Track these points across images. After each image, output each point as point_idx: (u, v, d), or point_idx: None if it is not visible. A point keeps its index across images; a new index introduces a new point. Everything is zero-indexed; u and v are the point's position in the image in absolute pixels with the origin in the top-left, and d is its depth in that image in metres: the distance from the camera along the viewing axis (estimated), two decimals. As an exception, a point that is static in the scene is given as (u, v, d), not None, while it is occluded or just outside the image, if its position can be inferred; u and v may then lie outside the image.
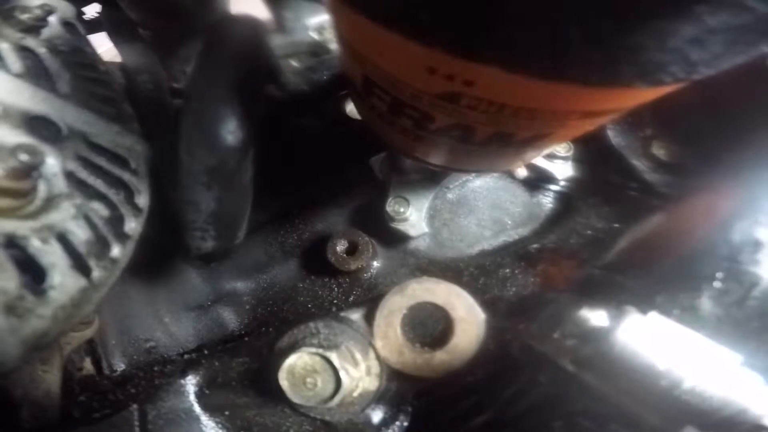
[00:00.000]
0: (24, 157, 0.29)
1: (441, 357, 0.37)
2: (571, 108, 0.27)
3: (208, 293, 0.56)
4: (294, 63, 0.59)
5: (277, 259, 0.56)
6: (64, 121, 0.35)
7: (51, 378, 0.42)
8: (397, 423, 0.39)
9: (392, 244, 0.53)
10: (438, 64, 0.24)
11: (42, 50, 0.37)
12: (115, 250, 0.33)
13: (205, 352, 0.45)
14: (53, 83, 0.36)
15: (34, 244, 0.27)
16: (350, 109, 0.63)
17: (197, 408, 0.42)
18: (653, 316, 0.25)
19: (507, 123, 0.29)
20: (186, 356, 0.48)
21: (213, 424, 0.42)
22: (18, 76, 0.34)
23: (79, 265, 0.30)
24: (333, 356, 0.35)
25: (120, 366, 0.49)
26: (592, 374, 0.27)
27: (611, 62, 0.20)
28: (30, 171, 0.29)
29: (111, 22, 0.56)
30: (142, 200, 0.37)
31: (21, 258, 0.27)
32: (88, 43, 0.44)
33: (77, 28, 0.43)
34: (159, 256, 0.54)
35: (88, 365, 0.49)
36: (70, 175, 0.33)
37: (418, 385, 0.39)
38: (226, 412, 0.42)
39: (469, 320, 0.37)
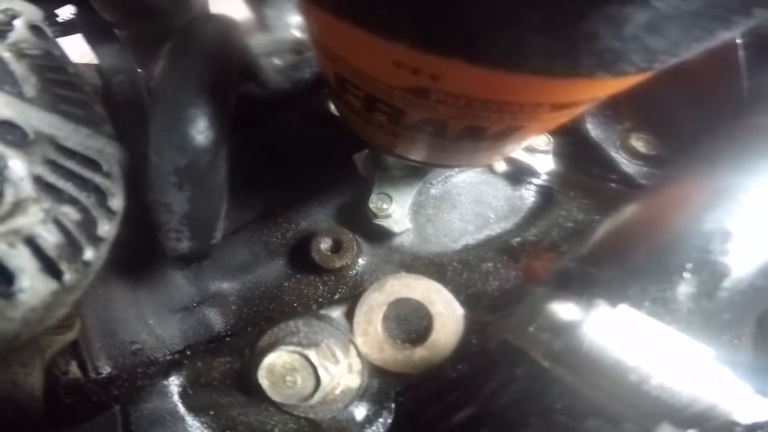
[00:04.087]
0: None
1: (421, 353, 0.37)
2: (538, 100, 0.27)
3: (194, 294, 0.55)
4: (276, 61, 0.58)
5: (261, 259, 0.56)
6: (30, 125, 0.34)
7: (33, 380, 0.42)
8: (381, 420, 0.40)
9: (377, 241, 0.53)
10: (403, 58, 0.24)
11: (6, 54, 0.36)
12: (88, 253, 0.33)
13: (188, 353, 0.45)
14: (18, 87, 0.36)
15: (1, 248, 0.27)
16: (334, 106, 0.63)
17: (181, 408, 0.42)
18: (623, 309, 0.25)
19: (477, 117, 0.29)
20: (169, 357, 0.48)
21: (198, 425, 0.42)
22: None
23: (50, 268, 0.29)
24: (312, 354, 0.35)
25: (105, 369, 0.49)
26: (564, 369, 0.27)
27: (570, 52, 0.20)
28: None
29: (86, 24, 0.55)
30: (116, 203, 0.37)
31: (-12, 263, 0.27)
32: (56, 47, 0.43)
33: (44, 32, 0.42)
34: (142, 258, 0.54)
35: (74, 369, 0.49)
36: (37, 180, 0.32)
37: (400, 382, 0.39)
38: (211, 412, 0.42)
39: (448, 315, 0.37)
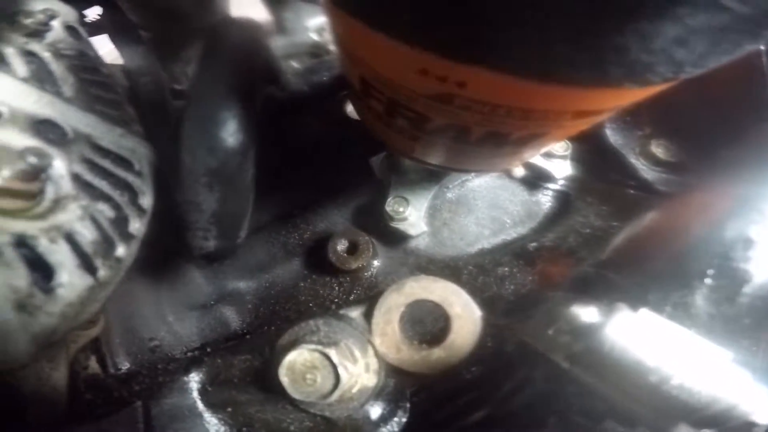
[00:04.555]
0: (32, 159, 0.30)
1: (438, 354, 0.37)
2: (563, 108, 0.27)
3: (211, 293, 0.57)
4: (294, 64, 0.59)
5: (279, 259, 0.57)
6: (69, 124, 0.36)
7: (57, 375, 0.43)
8: (395, 419, 0.40)
9: (392, 244, 0.53)
10: (430, 66, 0.25)
11: (46, 54, 0.38)
12: (120, 250, 0.34)
13: (208, 350, 0.46)
14: (58, 87, 0.37)
15: (43, 244, 0.28)
16: (351, 110, 0.64)
17: (200, 405, 0.43)
18: (644, 313, 0.26)
19: (501, 123, 0.29)
20: (189, 354, 0.49)
21: (215, 421, 0.42)
22: (23, 80, 0.35)
23: (86, 264, 0.31)
24: (332, 353, 0.36)
25: (124, 364, 0.50)
26: (584, 371, 0.27)
27: (597, 63, 0.20)
28: (38, 173, 0.30)
29: (112, 25, 0.57)
30: (146, 201, 0.38)
31: (30, 257, 0.28)
32: (90, 47, 0.45)
33: (80, 32, 0.43)
34: (163, 257, 0.55)
35: (93, 364, 0.50)
36: (76, 177, 0.34)
37: (416, 382, 0.40)
38: (229, 409, 0.43)
39: (466, 317, 0.37)
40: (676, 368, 0.24)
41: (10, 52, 0.35)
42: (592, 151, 0.51)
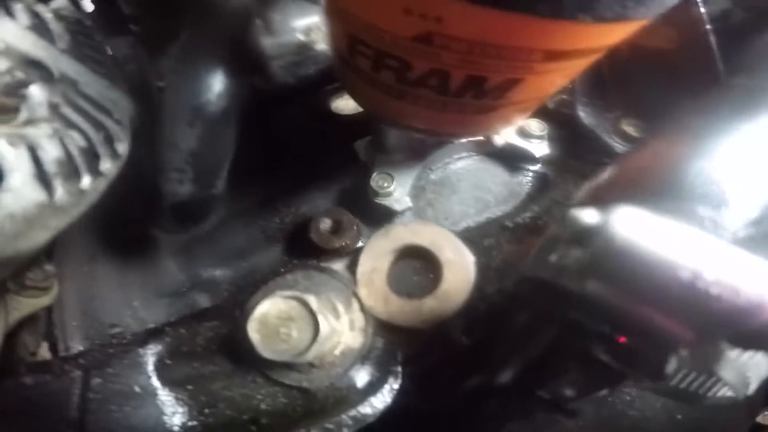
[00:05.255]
0: (13, 76, 0.29)
1: (430, 304, 0.35)
2: (531, 45, 0.29)
3: (184, 280, 0.53)
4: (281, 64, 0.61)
5: (258, 244, 0.54)
6: (57, 68, 0.37)
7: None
8: (386, 386, 0.36)
9: (377, 223, 0.52)
10: (411, 3, 0.27)
11: (48, 15, 0.40)
12: (86, 182, 0.32)
13: (172, 320, 0.41)
14: (54, 40, 0.39)
15: (1, 143, 0.26)
16: (336, 105, 0.66)
17: (155, 382, 0.38)
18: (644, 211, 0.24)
19: (477, 64, 0.31)
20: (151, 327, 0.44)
21: (172, 401, 0.37)
22: (25, 27, 0.37)
23: (43, 178, 0.29)
24: (311, 299, 0.33)
25: (78, 349, 0.45)
26: (600, 284, 0.24)
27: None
28: (17, 89, 0.30)
29: (103, 18, 0.58)
30: (121, 147, 0.37)
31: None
32: (88, 18, 0.47)
33: (80, 5, 0.47)
34: (133, 238, 0.52)
35: (43, 351, 0.44)
36: (53, 107, 0.33)
37: (408, 341, 0.37)
38: (189, 387, 0.38)
39: (458, 262, 0.36)
40: (705, 261, 0.21)
41: (18, 7, 0.38)
42: (569, 134, 0.54)
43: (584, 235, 0.25)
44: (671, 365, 0.27)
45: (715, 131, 0.33)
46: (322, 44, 0.57)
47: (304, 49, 0.66)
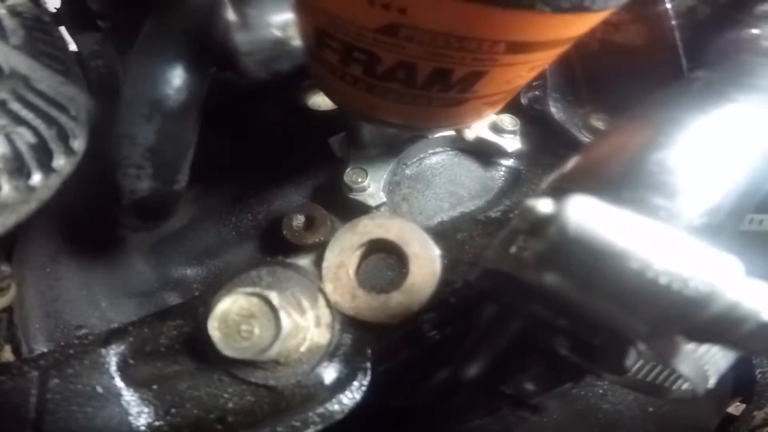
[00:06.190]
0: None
1: (398, 298, 0.35)
2: (492, 36, 0.29)
3: (154, 280, 0.52)
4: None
5: (230, 243, 0.54)
6: (7, 63, 0.36)
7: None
8: (355, 383, 0.35)
9: (352, 219, 0.52)
10: None
11: (2, 11, 0.40)
12: (36, 179, 0.31)
13: (135, 318, 0.40)
14: (6, 36, 0.38)
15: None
16: (313, 101, 0.65)
17: (119, 382, 0.37)
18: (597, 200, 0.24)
19: (442, 56, 0.31)
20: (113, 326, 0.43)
21: (136, 401, 0.36)
22: None
23: None
24: (272, 295, 0.32)
25: (42, 350, 0.43)
26: (555, 275, 0.24)
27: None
28: None
29: (71, 14, 0.57)
30: (77, 144, 0.36)
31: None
32: (47, 14, 0.46)
33: (40, 2, 0.46)
34: (99, 237, 0.51)
35: (6, 354, 0.43)
36: (1, 104, 0.32)
37: (376, 337, 0.37)
38: (154, 386, 0.37)
39: (424, 256, 0.35)
40: (655, 252, 0.21)
41: (-29, 7, 0.36)
42: (540, 128, 0.54)
43: (539, 225, 0.25)
44: (630, 359, 0.27)
45: (673, 122, 0.33)
46: (298, 40, 0.57)
47: (279, 45, 0.65)
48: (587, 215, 0.23)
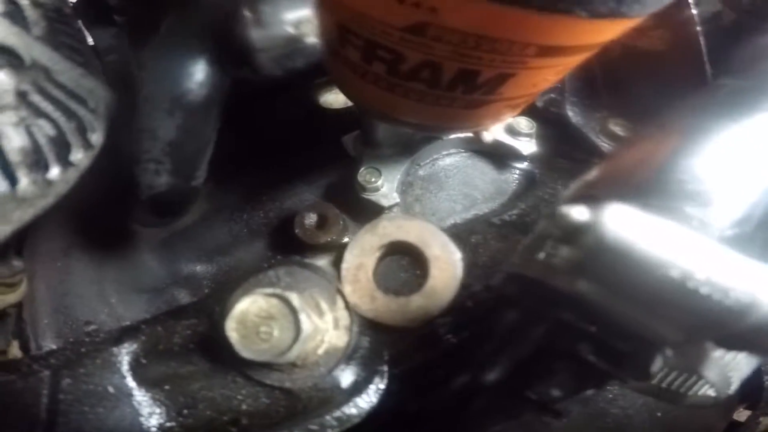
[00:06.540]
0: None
1: (417, 302, 0.34)
2: (524, 39, 0.29)
3: (164, 276, 0.51)
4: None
5: (241, 240, 0.53)
6: (29, 54, 0.35)
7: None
8: (372, 386, 0.35)
9: (364, 219, 0.51)
10: None
11: (25, 2, 0.38)
12: (54, 172, 0.31)
13: (147, 317, 0.40)
14: (28, 26, 0.37)
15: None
16: (325, 99, 0.64)
17: (131, 382, 0.36)
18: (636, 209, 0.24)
19: (470, 57, 0.30)
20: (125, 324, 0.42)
21: (148, 401, 0.36)
22: None
23: (4, 168, 0.27)
24: (293, 297, 0.32)
25: (50, 347, 0.43)
26: (590, 283, 0.24)
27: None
28: None
29: (87, 8, 0.56)
30: (95, 137, 0.36)
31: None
32: (68, 7, 0.46)
33: None
34: (110, 232, 0.50)
35: (14, 350, 0.42)
36: (21, 95, 0.32)
37: (394, 340, 0.36)
38: (167, 387, 0.36)
39: (445, 259, 0.35)
40: (695, 261, 0.21)
41: (-9, -4, 0.35)
42: (557, 133, 0.54)
43: (574, 233, 0.25)
44: (656, 365, 0.27)
45: (702, 131, 0.33)
46: (312, 37, 0.56)
47: (293, 42, 0.64)
48: (624, 224, 0.23)
